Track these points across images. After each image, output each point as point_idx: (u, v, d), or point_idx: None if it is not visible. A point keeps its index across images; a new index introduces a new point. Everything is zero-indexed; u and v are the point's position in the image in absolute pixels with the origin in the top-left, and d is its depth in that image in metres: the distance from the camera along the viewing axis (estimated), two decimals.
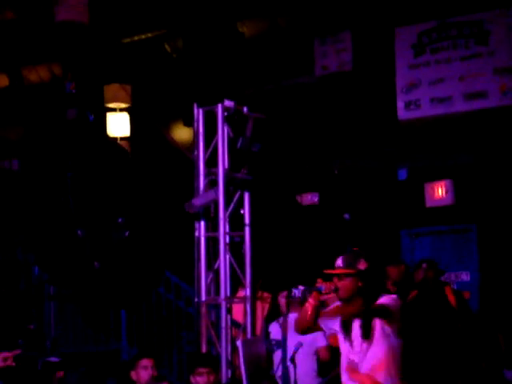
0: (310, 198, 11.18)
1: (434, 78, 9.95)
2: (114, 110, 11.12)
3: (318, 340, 8.10)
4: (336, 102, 10.53)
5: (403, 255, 10.81)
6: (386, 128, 10.30)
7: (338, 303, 5.78)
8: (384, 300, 5.55)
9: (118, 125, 11.14)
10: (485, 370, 8.23)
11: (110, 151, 10.51)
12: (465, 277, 10.62)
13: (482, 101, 9.59)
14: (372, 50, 10.29)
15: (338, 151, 10.78)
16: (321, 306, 5.76)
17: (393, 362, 5.53)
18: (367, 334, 5.53)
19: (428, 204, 10.59)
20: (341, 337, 5.73)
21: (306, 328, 5.90)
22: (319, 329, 5.95)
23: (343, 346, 5.73)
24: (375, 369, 5.52)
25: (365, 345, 5.55)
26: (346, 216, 11.02)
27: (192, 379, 6.74)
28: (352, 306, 5.60)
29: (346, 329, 5.67)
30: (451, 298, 8.92)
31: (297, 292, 8.48)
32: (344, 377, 5.69)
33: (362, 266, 5.62)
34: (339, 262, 5.65)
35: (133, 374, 6.75)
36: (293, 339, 7.96)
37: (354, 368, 5.61)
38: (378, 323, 5.53)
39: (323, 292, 5.69)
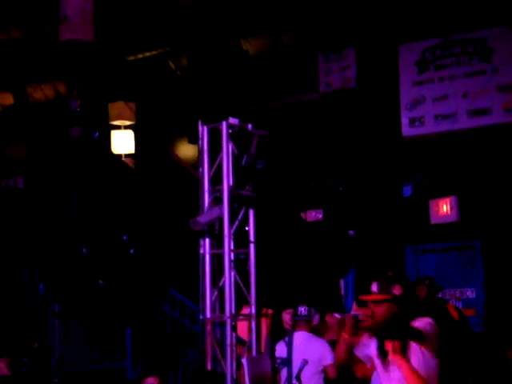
0: (314, 215, 11.17)
1: (438, 95, 9.97)
2: (118, 127, 11.15)
3: (324, 358, 8.08)
4: (340, 119, 10.54)
5: (408, 271, 10.79)
6: (390, 145, 10.31)
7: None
8: (418, 323, 5.50)
9: (123, 142, 11.16)
10: None
11: (114, 168, 10.52)
12: (470, 293, 10.59)
13: (486, 117, 9.61)
14: (376, 67, 10.31)
15: (342, 168, 10.79)
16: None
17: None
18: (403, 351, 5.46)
19: (433, 221, 10.58)
20: (378, 363, 5.66)
21: (342, 363, 5.88)
22: (358, 361, 5.90)
23: (381, 375, 5.65)
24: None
25: (398, 374, 5.50)
26: (351, 232, 11.02)
27: None
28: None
29: (383, 352, 5.60)
30: (454, 314, 8.91)
31: (303, 310, 8.50)
32: None
33: (397, 291, 5.56)
34: (374, 287, 5.59)
35: None
36: (298, 357, 7.95)
37: None
38: (413, 344, 5.47)
39: (359, 319, 5.68)
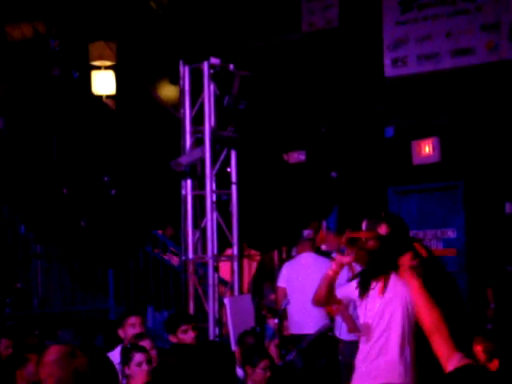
0: (297, 157, 11.15)
1: (421, 35, 9.89)
2: (99, 67, 11.02)
3: None
4: (323, 59, 10.46)
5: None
6: (373, 85, 10.25)
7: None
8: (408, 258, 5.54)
9: (104, 83, 11.05)
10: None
11: (95, 109, 10.44)
12: (451, 234, 10.66)
13: (469, 57, 9.55)
14: (359, 7, 10.21)
15: (324, 109, 10.74)
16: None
17: (407, 320, 5.54)
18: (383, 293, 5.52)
19: (415, 161, 10.58)
20: (358, 301, 5.72)
21: (321, 301, 5.92)
22: (337, 302, 5.95)
23: (360, 311, 5.73)
24: (390, 326, 5.53)
25: (381, 306, 5.56)
26: (333, 174, 11.01)
27: (173, 338, 6.73)
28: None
29: (364, 288, 5.65)
30: (422, 252, 8.95)
31: (307, 232, 8.62)
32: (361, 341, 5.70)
33: (382, 230, 5.62)
34: (363, 225, 5.68)
35: (120, 332, 6.75)
36: (307, 276, 8.00)
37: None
38: (395, 278, 5.52)
39: (345, 253, 5.71)
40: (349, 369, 6.21)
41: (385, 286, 5.54)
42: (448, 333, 3.92)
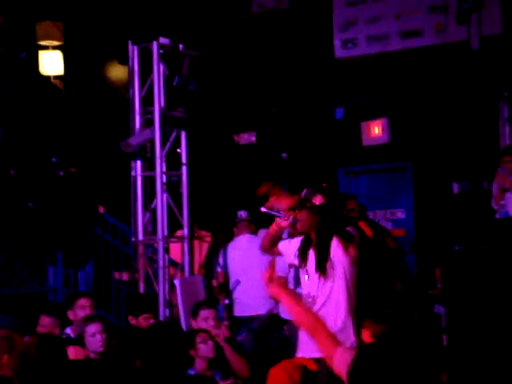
0: (247, 138, 11.14)
1: (371, 17, 9.93)
2: (46, 47, 10.86)
3: None
4: (273, 40, 10.45)
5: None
6: (322, 66, 10.28)
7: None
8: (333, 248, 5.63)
9: (51, 63, 10.89)
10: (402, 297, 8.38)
11: (42, 89, 10.29)
12: (400, 214, 10.76)
13: (418, 39, 9.62)
14: None
15: (275, 90, 10.73)
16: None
17: (345, 296, 5.59)
18: (323, 272, 5.59)
19: (364, 143, 10.64)
20: (298, 265, 5.82)
21: (265, 251, 6.05)
22: (278, 254, 6.05)
23: (301, 280, 5.81)
24: (331, 297, 5.58)
25: (321, 280, 5.61)
26: (284, 155, 11.03)
27: (133, 321, 6.77)
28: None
29: (303, 257, 5.72)
30: (367, 230, 9.04)
31: (242, 214, 8.56)
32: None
33: (317, 200, 5.69)
34: (302, 194, 5.76)
35: (70, 314, 6.71)
36: (243, 258, 8.02)
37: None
38: (334, 248, 5.58)
39: (282, 218, 5.76)
40: (294, 345, 6.27)
41: (323, 265, 5.61)
42: (326, 330, 3.97)
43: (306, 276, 5.73)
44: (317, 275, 5.64)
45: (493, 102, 10.00)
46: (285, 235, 6.33)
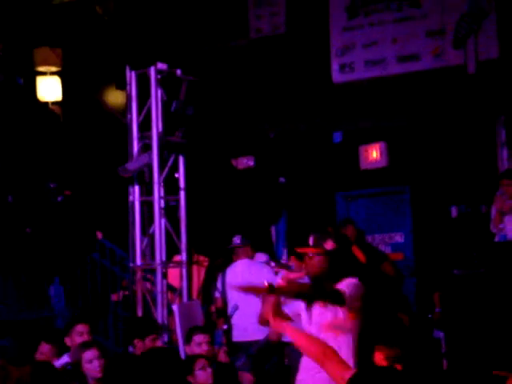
0: (245, 162, 11.14)
1: (368, 41, 9.97)
2: (44, 73, 10.89)
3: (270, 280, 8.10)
4: (271, 65, 10.48)
5: (338, 218, 10.87)
6: (320, 91, 10.30)
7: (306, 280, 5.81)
8: (342, 285, 5.56)
9: (49, 89, 10.91)
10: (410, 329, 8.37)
11: (40, 116, 10.31)
12: (399, 238, 10.74)
13: (415, 63, 9.65)
14: (306, 13, 10.25)
15: (273, 115, 10.76)
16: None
17: (351, 334, 5.55)
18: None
19: (362, 166, 10.65)
20: (302, 309, 5.75)
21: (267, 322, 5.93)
22: (287, 318, 5.94)
23: (304, 321, 5.75)
24: (322, 328, 5.54)
25: (325, 319, 5.58)
26: (282, 179, 11.03)
27: (140, 343, 6.77)
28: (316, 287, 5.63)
29: (309, 303, 5.68)
30: (389, 270, 9.02)
31: (236, 239, 8.53)
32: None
33: (328, 245, 5.68)
34: (310, 240, 5.74)
35: (67, 340, 6.68)
36: (242, 282, 7.97)
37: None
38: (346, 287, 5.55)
39: (292, 270, 5.75)
40: (295, 371, 6.23)
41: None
42: (336, 355, 3.94)
43: (311, 316, 5.69)
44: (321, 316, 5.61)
45: (490, 126, 10.02)
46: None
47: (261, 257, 8.93)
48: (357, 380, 3.72)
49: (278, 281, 5.79)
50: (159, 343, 6.98)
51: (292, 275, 5.72)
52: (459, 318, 8.07)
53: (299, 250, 5.77)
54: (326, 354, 3.96)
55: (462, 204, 10.18)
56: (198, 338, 6.66)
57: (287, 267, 5.85)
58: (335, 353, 3.98)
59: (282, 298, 5.86)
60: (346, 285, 5.53)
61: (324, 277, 5.59)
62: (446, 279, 8.81)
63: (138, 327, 7.23)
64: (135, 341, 6.91)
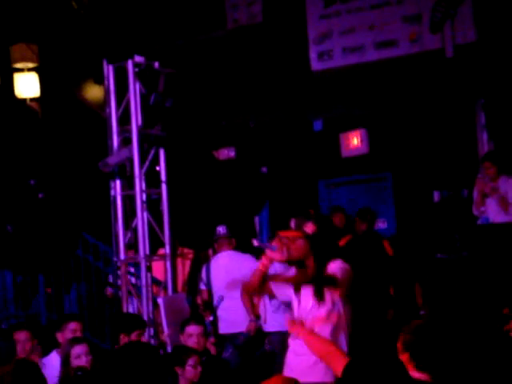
0: (226, 153, 11.13)
1: (345, 28, 9.95)
2: (21, 70, 10.81)
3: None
4: (249, 55, 10.45)
5: (321, 205, 10.90)
6: (299, 79, 10.29)
7: (293, 271, 5.82)
8: (333, 268, 5.59)
9: (27, 85, 10.83)
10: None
11: (19, 113, 10.24)
12: (381, 224, 10.78)
13: (393, 49, 9.65)
14: (282, 1, 10.23)
15: (252, 105, 10.74)
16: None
17: (339, 319, 5.57)
18: (320, 297, 5.57)
19: (344, 154, 10.67)
20: (293, 296, 5.78)
21: (253, 291, 5.97)
22: (269, 292, 6.01)
23: (293, 305, 5.79)
24: (316, 321, 5.56)
25: (314, 307, 5.60)
26: (263, 169, 11.03)
27: (125, 338, 6.76)
28: (304, 271, 5.63)
29: (297, 287, 5.70)
30: (389, 250, 9.03)
31: (221, 229, 8.50)
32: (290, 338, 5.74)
33: (308, 229, 5.69)
34: (292, 223, 5.75)
35: (59, 336, 6.64)
36: (226, 275, 7.97)
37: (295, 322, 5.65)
38: (327, 292, 5.58)
39: (275, 250, 5.74)
40: (279, 358, 6.25)
41: (319, 293, 5.58)
42: (341, 351, 3.98)
43: (299, 300, 5.70)
44: (310, 301, 5.62)
45: (470, 110, 10.05)
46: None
47: None
48: (351, 368, 3.74)
49: (262, 260, 5.79)
50: (144, 339, 6.97)
51: (275, 256, 5.72)
52: (442, 302, 8.09)
53: (281, 234, 5.78)
54: (332, 353, 4.02)
55: (444, 188, 10.21)
56: (190, 329, 6.67)
57: (270, 248, 5.83)
58: (338, 350, 4.02)
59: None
60: (333, 268, 5.56)
61: (306, 260, 5.62)
62: (428, 263, 8.84)
63: (124, 323, 7.20)
64: (121, 336, 6.89)
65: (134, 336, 6.84)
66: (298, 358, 5.63)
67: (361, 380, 3.72)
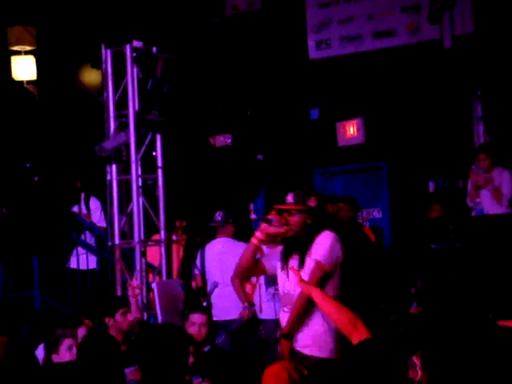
0: (222, 140, 11.13)
1: (344, 17, 9.96)
2: (18, 52, 10.79)
3: None
4: (247, 42, 10.46)
5: None
6: (297, 68, 10.29)
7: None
8: (320, 239, 5.62)
9: (24, 68, 10.82)
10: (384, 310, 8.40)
11: (15, 95, 10.23)
12: (377, 214, 10.80)
13: (391, 39, 9.67)
14: None
15: (249, 92, 10.74)
16: (268, 241, 5.83)
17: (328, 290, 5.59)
18: (301, 265, 5.59)
19: (340, 143, 10.67)
20: (278, 267, 5.79)
21: (246, 272, 5.99)
22: (263, 272, 6.01)
23: (280, 277, 5.79)
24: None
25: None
26: (259, 157, 11.03)
27: (111, 321, 6.74)
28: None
29: (285, 260, 5.71)
30: (371, 236, 9.05)
31: (218, 216, 8.49)
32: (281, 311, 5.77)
33: (312, 203, 5.69)
34: (290, 198, 5.71)
35: (109, 320, 6.67)
36: (219, 263, 7.98)
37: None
38: (310, 261, 5.59)
39: (272, 224, 5.73)
40: (273, 345, 6.27)
41: (304, 257, 5.61)
42: (365, 326, 3.96)
43: (286, 275, 5.71)
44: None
45: (466, 101, 10.06)
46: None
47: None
48: (367, 345, 3.72)
49: (256, 234, 5.79)
50: (130, 317, 6.86)
51: (271, 229, 5.72)
52: (436, 292, 8.13)
53: (280, 207, 5.78)
54: (355, 325, 3.97)
55: (439, 179, 10.24)
56: (194, 317, 6.67)
57: (267, 221, 5.82)
58: (363, 323, 3.99)
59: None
60: (323, 239, 5.59)
61: (304, 233, 5.63)
62: (423, 253, 8.87)
63: (105, 305, 7.15)
64: (106, 320, 6.84)
65: (118, 316, 6.77)
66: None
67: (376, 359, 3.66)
